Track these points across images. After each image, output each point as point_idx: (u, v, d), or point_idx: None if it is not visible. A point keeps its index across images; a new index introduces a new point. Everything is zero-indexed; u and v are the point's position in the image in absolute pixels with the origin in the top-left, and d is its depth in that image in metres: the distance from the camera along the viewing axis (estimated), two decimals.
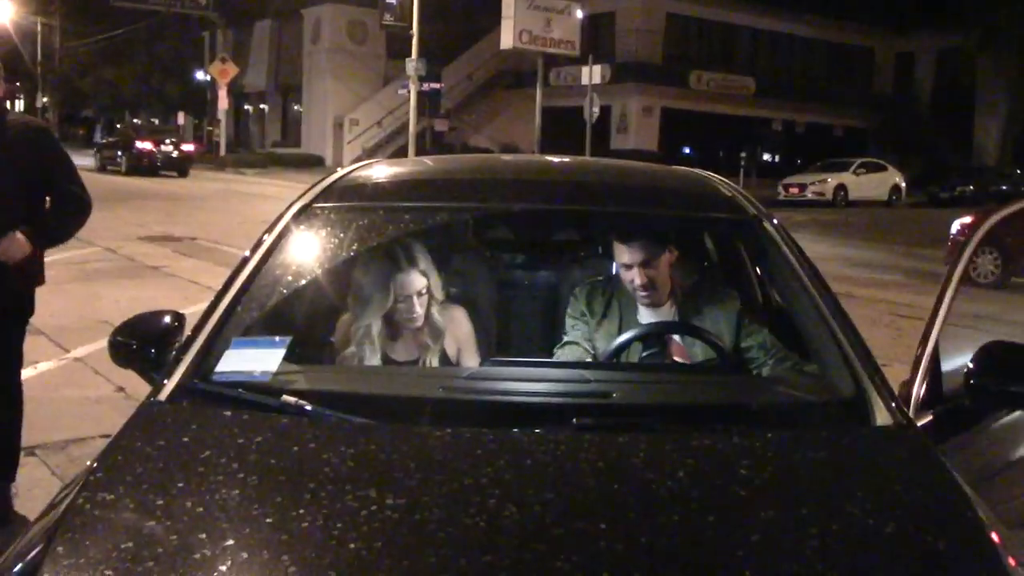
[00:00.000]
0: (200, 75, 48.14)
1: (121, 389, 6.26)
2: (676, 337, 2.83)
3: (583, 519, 1.67)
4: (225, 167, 38.77)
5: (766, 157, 43.76)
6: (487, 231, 3.15)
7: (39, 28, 58.39)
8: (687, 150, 38.31)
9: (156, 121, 59.48)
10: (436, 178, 3.16)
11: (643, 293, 2.84)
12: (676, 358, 2.80)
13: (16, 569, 1.62)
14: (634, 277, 2.84)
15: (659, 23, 40.58)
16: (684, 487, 1.81)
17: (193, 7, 46.38)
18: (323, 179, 2.95)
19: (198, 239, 14.52)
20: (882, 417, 2.11)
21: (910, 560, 1.67)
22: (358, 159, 40.15)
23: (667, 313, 2.88)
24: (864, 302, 9.83)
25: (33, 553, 1.62)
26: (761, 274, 2.79)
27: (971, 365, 2.39)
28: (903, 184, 33.25)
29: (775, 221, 2.80)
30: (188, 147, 37.45)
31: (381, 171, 3.15)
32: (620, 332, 2.81)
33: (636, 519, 1.69)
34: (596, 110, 31.19)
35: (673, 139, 38.64)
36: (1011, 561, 1.67)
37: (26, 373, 6.48)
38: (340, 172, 3.03)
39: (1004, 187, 31.48)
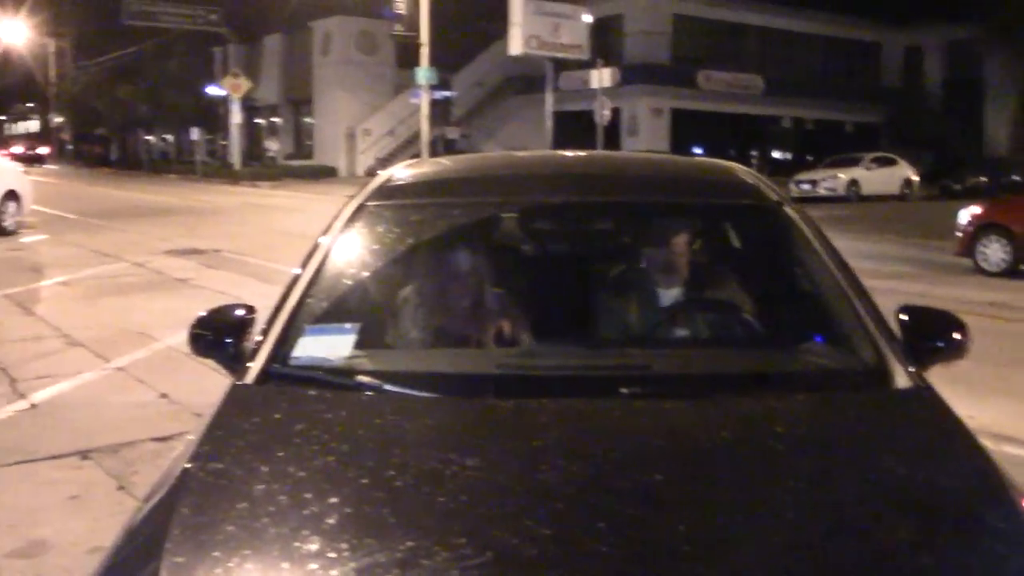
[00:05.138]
0: (212, 90, 48.53)
1: (164, 395, 6.49)
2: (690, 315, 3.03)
3: (643, 472, 1.89)
4: (240, 180, 39.12)
5: (777, 154, 43.85)
6: (530, 222, 3.38)
7: (52, 49, 59.05)
8: (698, 150, 38.42)
9: (170, 137, 60.11)
10: (478, 175, 3.39)
11: (668, 275, 3.06)
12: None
13: (146, 528, 1.83)
14: (663, 260, 3.07)
15: (666, 24, 40.76)
16: (728, 444, 2.03)
17: (204, 23, 46.92)
18: (373, 181, 3.18)
19: (222, 251, 14.77)
20: (901, 381, 2.32)
21: (933, 506, 1.86)
22: (371, 169, 40.52)
23: (683, 294, 3.09)
24: (880, 293, 9.94)
25: (159, 515, 1.83)
26: (785, 255, 3.00)
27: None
28: (915, 177, 33.29)
29: (796, 207, 3.01)
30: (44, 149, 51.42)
31: (425, 171, 3.39)
32: (645, 312, 3.03)
33: (689, 471, 1.90)
34: (607, 113, 31.37)
35: (683, 139, 38.73)
36: None
37: (71, 383, 6.80)
38: (387, 173, 3.25)
39: (1016, 177, 31.53)
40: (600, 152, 3.82)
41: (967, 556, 1.70)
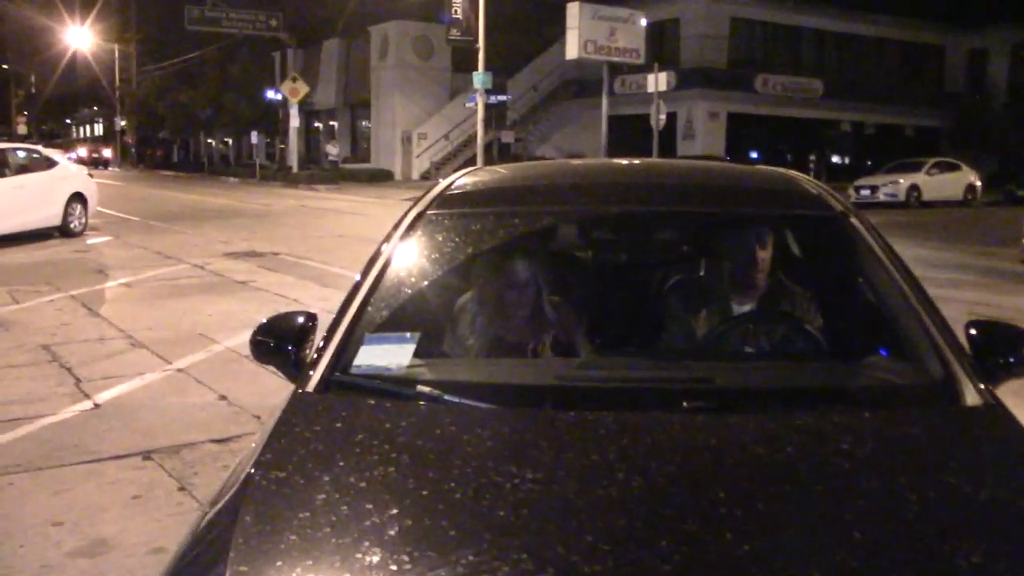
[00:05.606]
0: (271, 94, 49.22)
1: (223, 397, 6.59)
2: (755, 328, 3.00)
3: (704, 489, 1.86)
4: (297, 183, 39.63)
5: (835, 159, 43.26)
6: (589, 231, 3.37)
7: (116, 55, 60.38)
8: (754, 154, 38.03)
9: (229, 141, 61.09)
10: (538, 184, 3.38)
11: (745, 288, 3.03)
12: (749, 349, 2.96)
13: (210, 535, 1.86)
14: (728, 271, 3.03)
15: (723, 28, 40.44)
16: (792, 461, 1.99)
17: (264, 29, 47.60)
18: (432, 188, 3.20)
19: (280, 254, 14.95)
20: (971, 398, 2.26)
21: (1005, 527, 1.81)
22: (427, 173, 40.75)
23: (750, 305, 3.05)
24: (941, 302, 9.74)
25: (223, 521, 1.85)
26: (850, 267, 2.95)
27: None
28: (978, 183, 32.58)
29: (861, 217, 2.96)
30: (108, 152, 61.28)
31: (484, 179, 3.38)
32: (709, 324, 3.00)
33: (752, 489, 1.87)
34: (663, 117, 31.19)
35: (740, 144, 38.43)
36: None
37: (134, 384, 6.93)
38: (446, 181, 3.26)
39: None
40: (659, 160, 3.80)
41: None
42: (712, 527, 1.73)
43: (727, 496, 1.84)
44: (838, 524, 1.76)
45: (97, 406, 6.39)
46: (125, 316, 9.63)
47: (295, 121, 42.78)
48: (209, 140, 63.66)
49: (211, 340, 8.43)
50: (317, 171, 43.58)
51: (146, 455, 5.36)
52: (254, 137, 48.18)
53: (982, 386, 2.30)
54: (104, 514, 4.52)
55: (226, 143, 63.30)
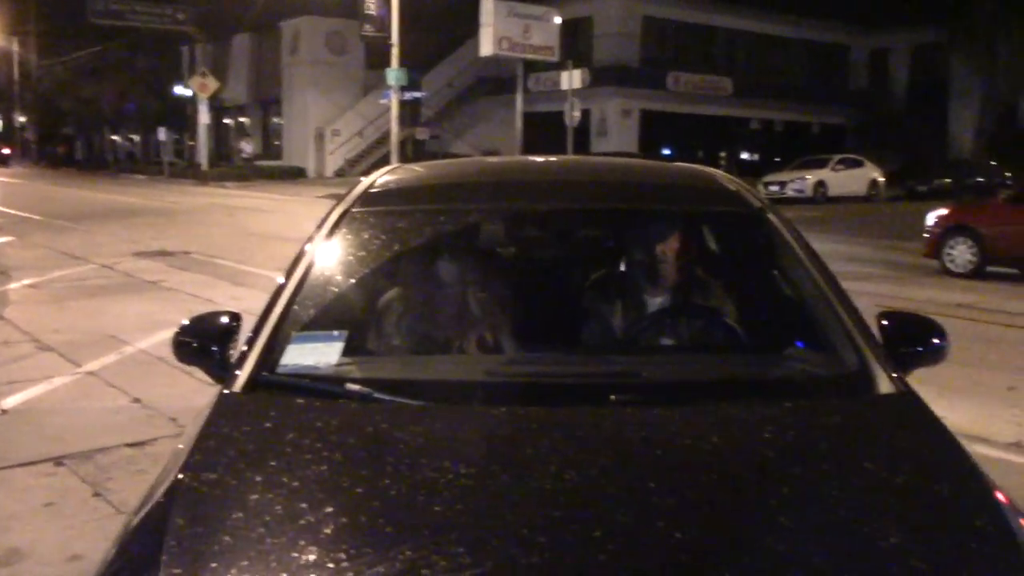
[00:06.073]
0: (179, 90, 48.10)
1: (137, 400, 6.44)
2: (674, 321, 3.06)
3: (635, 479, 1.90)
4: (208, 181, 38.85)
5: (745, 156, 44.18)
6: (514, 228, 3.40)
7: (15, 48, 58.31)
8: (666, 151, 38.60)
9: (136, 138, 59.55)
10: (463, 181, 3.40)
11: (655, 281, 3.09)
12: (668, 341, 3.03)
13: (140, 540, 1.82)
14: (647, 266, 3.09)
15: (636, 26, 40.96)
16: (718, 450, 2.05)
17: (171, 22, 46.52)
18: (356, 186, 3.18)
19: (192, 253, 14.66)
20: (885, 387, 2.35)
21: (922, 509, 1.90)
22: (340, 170, 40.29)
23: (668, 300, 3.11)
24: (851, 295, 10.05)
25: (152, 526, 1.81)
26: (768, 262, 3.03)
27: None
28: (881, 179, 33.64)
29: (778, 213, 3.05)
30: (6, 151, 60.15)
31: (409, 177, 3.38)
32: (628, 319, 3.06)
33: (681, 477, 1.92)
34: (577, 114, 31.45)
35: (652, 141, 38.94)
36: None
37: (42, 388, 6.72)
38: (370, 179, 3.24)
39: (980, 179, 32.02)
40: (580, 157, 3.83)
41: (956, 557, 1.73)
42: (644, 516, 1.76)
43: (657, 486, 1.88)
44: (765, 510, 1.82)
45: (4, 412, 6.18)
46: (30, 319, 9.32)
47: (205, 117, 41.87)
48: (115, 137, 61.95)
49: (122, 342, 8.21)
50: (228, 168, 42.79)
51: (58, 461, 5.20)
52: (162, 134, 47.02)
53: (895, 375, 2.40)
54: (16, 522, 4.38)
55: (132, 140, 61.71)
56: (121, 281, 11.92)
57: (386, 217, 2.98)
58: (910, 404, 2.31)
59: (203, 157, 43.59)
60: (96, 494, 4.75)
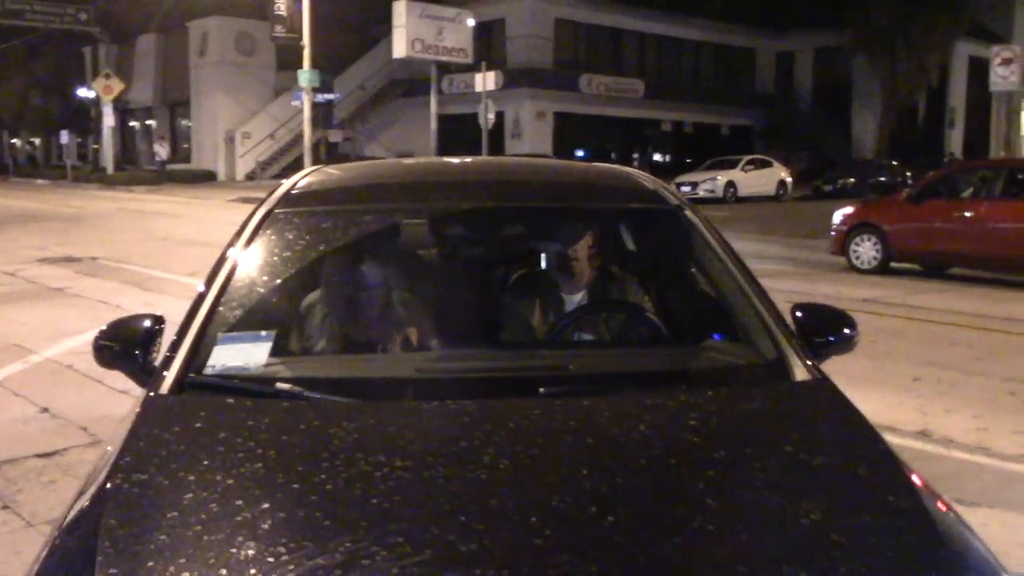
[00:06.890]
0: (82, 92, 46.75)
1: (46, 410, 6.24)
2: (594, 317, 3.14)
3: (567, 467, 1.95)
4: (114, 185, 37.84)
5: (657, 157, 44.90)
6: (437, 228, 3.41)
7: None
8: (580, 153, 39.01)
9: (37, 141, 57.63)
10: (386, 182, 3.41)
11: (571, 278, 3.15)
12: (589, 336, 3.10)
13: (71, 545, 1.78)
14: (567, 264, 3.15)
15: (548, 28, 41.29)
16: (646, 437, 2.11)
17: (73, 22, 45.13)
18: (278, 187, 3.16)
19: (99, 259, 14.28)
20: (801, 374, 2.45)
21: (840, 488, 1.98)
22: (252, 173, 39.61)
23: (586, 297, 3.18)
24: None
25: (84, 531, 1.78)
26: (686, 257, 3.11)
27: None
28: (789, 179, 34.51)
29: (695, 210, 3.13)
30: None
31: (329, 177, 3.37)
32: (551, 315, 3.12)
33: (612, 464, 1.97)
34: (491, 116, 31.56)
35: (566, 142, 39.31)
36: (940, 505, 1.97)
37: None
38: (291, 180, 3.23)
39: (883, 178, 33.12)
40: (500, 158, 3.87)
41: (873, 532, 1.81)
42: (578, 502, 1.80)
43: (589, 472, 1.92)
44: (692, 493, 1.89)
45: None
46: None
47: (109, 120, 40.78)
48: (14, 140, 59.91)
49: (28, 350, 7.95)
50: (135, 172, 41.74)
51: None
52: (64, 137, 45.62)
53: (810, 363, 2.50)
54: None
55: (33, 143, 59.76)
56: (24, 288, 11.55)
57: (309, 218, 2.97)
58: (825, 391, 2.40)
59: (108, 160, 42.44)
60: (5, 507, 4.60)
